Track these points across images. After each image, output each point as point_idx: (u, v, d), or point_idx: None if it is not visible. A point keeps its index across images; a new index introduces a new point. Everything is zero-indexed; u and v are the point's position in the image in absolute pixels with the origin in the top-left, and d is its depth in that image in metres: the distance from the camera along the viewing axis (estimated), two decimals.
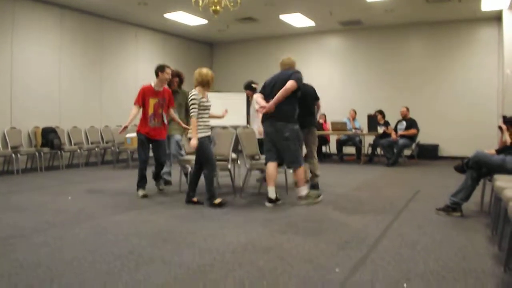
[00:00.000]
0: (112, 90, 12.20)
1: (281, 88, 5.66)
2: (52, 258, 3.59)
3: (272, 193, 5.79)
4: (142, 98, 6.47)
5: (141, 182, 6.59)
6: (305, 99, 6.39)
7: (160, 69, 6.55)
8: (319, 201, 5.95)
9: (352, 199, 6.40)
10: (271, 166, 5.87)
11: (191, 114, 5.66)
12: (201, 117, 5.74)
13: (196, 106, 5.65)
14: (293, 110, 5.81)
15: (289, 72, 5.89)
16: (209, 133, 5.87)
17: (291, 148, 5.76)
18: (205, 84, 5.82)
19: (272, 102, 5.67)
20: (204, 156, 5.77)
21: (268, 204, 5.78)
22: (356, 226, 4.71)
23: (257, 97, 6.05)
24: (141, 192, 6.52)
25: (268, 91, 5.93)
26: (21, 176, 9.16)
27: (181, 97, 7.42)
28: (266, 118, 5.87)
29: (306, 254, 3.69)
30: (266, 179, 6.00)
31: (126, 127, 6.42)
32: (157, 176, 6.95)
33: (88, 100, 11.57)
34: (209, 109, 5.89)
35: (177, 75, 7.52)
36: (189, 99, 5.71)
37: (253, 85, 7.81)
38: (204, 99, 5.77)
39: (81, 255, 3.65)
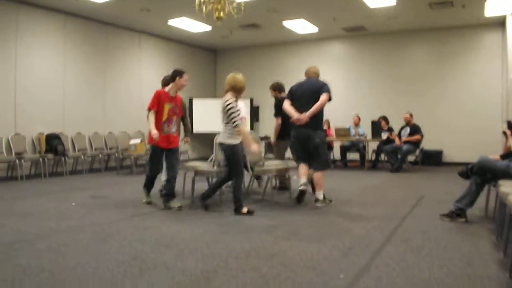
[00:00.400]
0: (115, 96, 12.23)
1: (311, 97, 6.10)
2: (55, 264, 3.58)
3: (304, 181, 6.22)
4: (158, 103, 6.08)
5: (148, 186, 6.55)
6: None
7: (178, 74, 6.15)
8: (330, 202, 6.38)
9: (356, 205, 6.39)
10: (304, 166, 6.30)
11: (236, 123, 5.60)
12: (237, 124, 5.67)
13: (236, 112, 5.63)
14: (321, 118, 6.28)
15: (319, 83, 6.33)
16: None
17: (321, 153, 6.17)
18: (238, 90, 5.75)
19: (308, 114, 6.03)
20: (237, 163, 5.73)
21: (301, 187, 6.26)
22: (360, 232, 4.69)
23: (286, 105, 6.36)
24: (145, 199, 6.49)
25: (296, 98, 6.31)
26: (25, 182, 9.18)
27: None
28: (296, 126, 6.22)
29: (309, 260, 3.68)
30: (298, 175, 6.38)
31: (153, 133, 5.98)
32: (168, 194, 6.25)
33: (92, 106, 11.60)
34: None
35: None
36: (227, 106, 5.63)
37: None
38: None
39: (85, 261, 3.65)
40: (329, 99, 6.11)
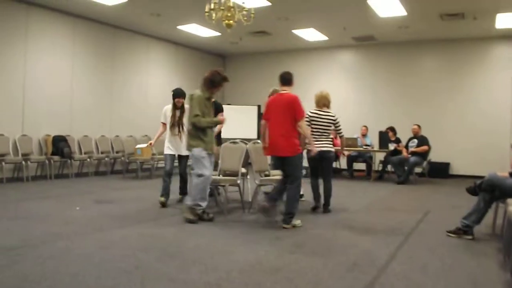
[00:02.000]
0: (123, 100, 12.25)
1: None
2: (57, 271, 3.56)
3: None
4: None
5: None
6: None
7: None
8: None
9: (361, 218, 6.33)
10: None
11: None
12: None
13: None
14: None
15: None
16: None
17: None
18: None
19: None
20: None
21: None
22: (366, 247, 4.64)
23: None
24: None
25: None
26: (31, 183, 9.20)
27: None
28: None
29: (314, 276, 3.63)
30: None
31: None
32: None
33: (99, 110, 11.62)
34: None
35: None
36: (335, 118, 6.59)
37: None
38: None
39: (87, 269, 3.63)
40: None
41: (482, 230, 5.35)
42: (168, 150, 6.96)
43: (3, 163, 9.08)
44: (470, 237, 5.01)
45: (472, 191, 5.21)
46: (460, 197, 7.66)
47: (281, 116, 5.53)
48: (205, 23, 10.75)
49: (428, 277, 3.66)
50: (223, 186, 6.35)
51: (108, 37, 11.87)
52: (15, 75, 9.68)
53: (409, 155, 10.77)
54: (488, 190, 4.93)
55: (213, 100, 6.09)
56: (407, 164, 10.72)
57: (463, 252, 4.52)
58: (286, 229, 5.38)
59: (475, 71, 12.41)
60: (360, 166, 12.34)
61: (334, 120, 6.64)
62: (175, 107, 6.92)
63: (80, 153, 10.82)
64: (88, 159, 10.80)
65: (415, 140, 10.95)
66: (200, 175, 5.56)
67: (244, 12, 7.96)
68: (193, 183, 5.68)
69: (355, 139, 11.66)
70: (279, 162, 5.72)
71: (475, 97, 12.33)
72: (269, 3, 9.62)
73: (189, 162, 6.72)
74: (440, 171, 12.17)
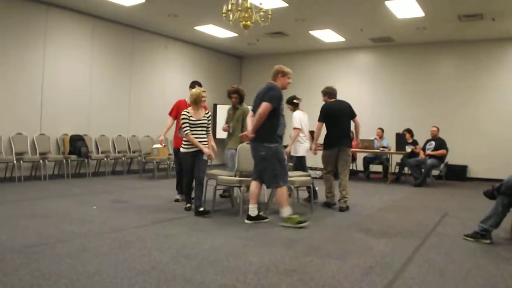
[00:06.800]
0: (140, 100, 12.32)
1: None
2: (74, 270, 3.58)
3: (253, 211, 5.79)
4: (176, 112, 7.20)
5: (183, 189, 6.95)
6: (339, 118, 6.62)
7: (190, 86, 7.12)
8: (301, 226, 5.51)
9: (378, 220, 6.29)
10: (253, 185, 5.86)
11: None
12: None
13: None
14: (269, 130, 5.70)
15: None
16: None
17: (267, 167, 5.67)
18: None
19: (250, 129, 5.72)
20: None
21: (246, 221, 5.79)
22: (382, 249, 4.61)
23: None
24: (178, 196, 7.29)
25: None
26: (48, 182, 9.30)
27: (239, 113, 7.36)
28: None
29: (329, 278, 3.61)
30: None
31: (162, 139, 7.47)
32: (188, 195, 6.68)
33: (117, 109, 11.71)
34: None
35: (236, 91, 7.40)
36: None
37: (295, 101, 7.80)
38: None
39: (103, 268, 3.65)
40: (272, 107, 5.60)
41: (500, 234, 5.28)
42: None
43: (21, 161, 9.19)
44: (488, 241, 4.94)
45: (490, 195, 5.13)
46: (477, 200, 7.60)
47: None
48: (222, 24, 10.78)
49: (446, 281, 3.62)
50: (239, 187, 6.34)
51: (126, 38, 11.95)
52: (34, 75, 9.79)
53: (426, 157, 10.68)
54: (507, 194, 4.86)
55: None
56: (424, 166, 10.63)
57: (481, 256, 4.46)
58: (301, 229, 5.39)
59: (493, 73, 12.27)
60: (376, 168, 12.26)
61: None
62: None
63: (97, 152, 10.91)
64: (105, 159, 10.88)
65: (433, 142, 10.85)
66: None
67: (261, 13, 7.96)
68: None
69: (372, 140, 11.59)
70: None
71: (493, 99, 12.19)
72: (286, 4, 9.62)
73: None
74: (457, 173, 12.06)
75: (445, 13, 10.06)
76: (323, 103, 7.28)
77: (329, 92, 7.35)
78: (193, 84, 7.20)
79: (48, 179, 9.54)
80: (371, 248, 4.64)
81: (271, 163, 5.62)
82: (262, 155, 5.64)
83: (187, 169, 6.34)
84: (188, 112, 6.21)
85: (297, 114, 7.67)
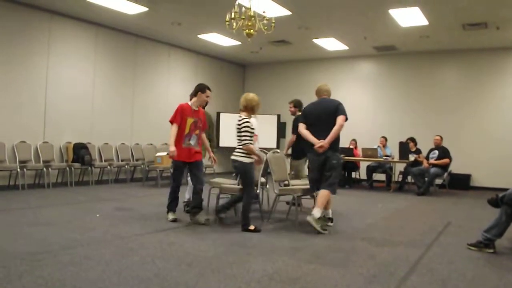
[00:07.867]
0: (143, 108, 12.35)
1: (328, 119, 5.87)
2: (77, 277, 3.58)
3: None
4: (180, 117, 6.15)
5: (172, 204, 6.35)
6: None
7: (201, 89, 6.31)
8: (321, 232, 5.67)
9: (381, 229, 6.28)
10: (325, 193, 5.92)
11: (246, 142, 5.69)
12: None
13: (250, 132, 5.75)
14: (338, 139, 6.02)
15: (334, 102, 6.05)
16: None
17: (333, 175, 5.91)
18: (251, 109, 5.86)
19: (327, 140, 5.79)
20: (248, 181, 5.82)
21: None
22: (385, 258, 4.60)
23: (303, 130, 6.12)
24: (171, 216, 6.27)
25: (312, 121, 6.06)
26: (52, 190, 9.31)
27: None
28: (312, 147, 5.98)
29: (332, 287, 3.60)
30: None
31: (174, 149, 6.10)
32: (195, 207, 6.29)
33: (120, 118, 11.74)
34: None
35: None
36: (243, 124, 5.71)
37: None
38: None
39: (106, 276, 3.65)
40: (346, 119, 5.89)
41: (504, 244, 5.25)
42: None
43: (25, 169, 9.21)
44: (491, 250, 4.92)
45: (494, 203, 5.11)
46: (481, 209, 7.58)
47: None
48: (225, 32, 10.81)
49: None
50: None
51: (129, 46, 12.00)
52: (38, 83, 9.84)
53: (430, 166, 10.66)
54: (511, 204, 4.84)
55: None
56: (427, 175, 10.61)
57: (484, 265, 4.45)
58: (303, 239, 5.38)
59: (496, 81, 12.27)
60: (380, 176, 12.23)
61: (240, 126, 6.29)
62: None
63: (101, 160, 10.93)
64: (108, 167, 10.89)
65: (436, 151, 10.84)
66: None
67: (265, 21, 7.97)
68: None
69: (375, 149, 11.59)
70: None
71: (497, 108, 12.18)
72: (289, 12, 9.65)
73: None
74: (461, 182, 12.03)
75: (449, 21, 10.07)
76: None
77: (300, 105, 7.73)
78: (203, 88, 6.38)
79: (52, 187, 9.55)
80: (374, 257, 4.63)
81: (338, 171, 6.06)
82: (334, 164, 5.90)
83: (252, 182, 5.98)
84: (249, 121, 5.76)
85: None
